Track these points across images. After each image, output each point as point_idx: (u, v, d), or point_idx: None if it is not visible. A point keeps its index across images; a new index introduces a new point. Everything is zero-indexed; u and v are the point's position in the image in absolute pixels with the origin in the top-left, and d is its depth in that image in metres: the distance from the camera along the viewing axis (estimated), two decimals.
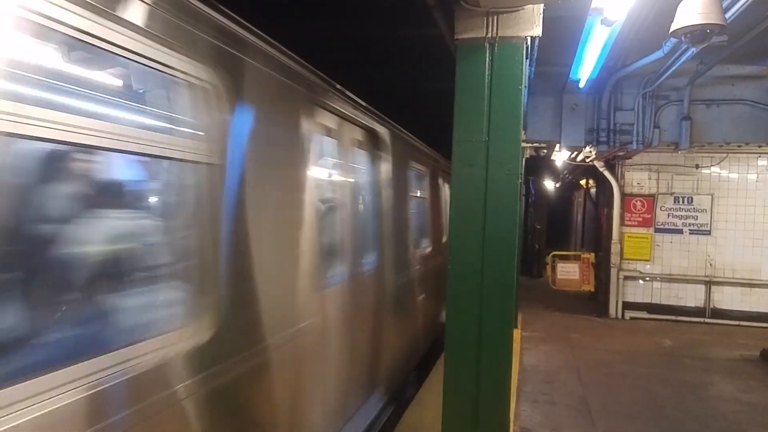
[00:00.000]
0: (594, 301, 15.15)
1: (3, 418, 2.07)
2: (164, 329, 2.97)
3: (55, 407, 2.26)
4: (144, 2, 2.71)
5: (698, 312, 13.37)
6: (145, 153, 2.91)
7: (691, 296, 13.47)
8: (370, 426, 6.43)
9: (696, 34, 5.86)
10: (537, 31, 4.46)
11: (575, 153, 13.50)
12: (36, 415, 2.18)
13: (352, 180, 6.23)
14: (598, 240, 15.82)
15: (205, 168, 3.27)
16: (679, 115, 11.73)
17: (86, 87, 2.90)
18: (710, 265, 13.35)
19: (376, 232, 6.87)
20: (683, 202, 13.46)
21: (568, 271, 15.99)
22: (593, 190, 17.93)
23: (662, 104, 11.83)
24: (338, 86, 5.40)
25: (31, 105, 2.24)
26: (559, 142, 12.12)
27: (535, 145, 12.98)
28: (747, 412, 7.74)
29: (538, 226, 22.70)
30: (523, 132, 6.52)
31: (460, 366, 4.69)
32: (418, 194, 9.65)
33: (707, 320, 13.24)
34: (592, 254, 15.94)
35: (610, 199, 13.96)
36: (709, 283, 13.34)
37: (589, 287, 15.71)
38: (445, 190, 11.18)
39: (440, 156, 10.83)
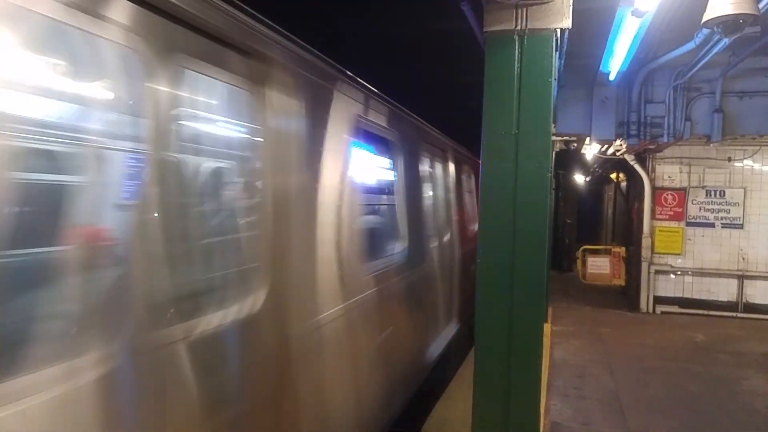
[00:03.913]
0: (625, 296, 15.02)
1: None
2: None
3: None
4: None
5: (730, 306, 13.20)
6: None
7: (724, 291, 13.29)
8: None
9: (728, 24, 5.79)
10: (567, 23, 4.44)
11: (605, 146, 13.37)
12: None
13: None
14: (629, 234, 15.65)
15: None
16: (711, 107, 11.57)
17: None
18: (743, 259, 13.17)
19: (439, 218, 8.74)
20: (715, 195, 13.28)
21: (599, 266, 15.87)
22: (624, 184, 17.74)
23: (694, 96, 11.68)
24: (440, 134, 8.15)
25: None
26: (590, 136, 12.02)
27: (565, 138, 12.91)
28: None
29: (569, 220, 22.54)
30: (553, 125, 6.50)
31: (490, 360, 4.69)
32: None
33: (740, 315, 13.06)
34: (623, 248, 15.79)
35: (640, 192, 13.81)
36: (741, 278, 13.16)
37: (620, 281, 15.59)
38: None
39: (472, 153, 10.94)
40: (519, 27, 4.48)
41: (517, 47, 4.51)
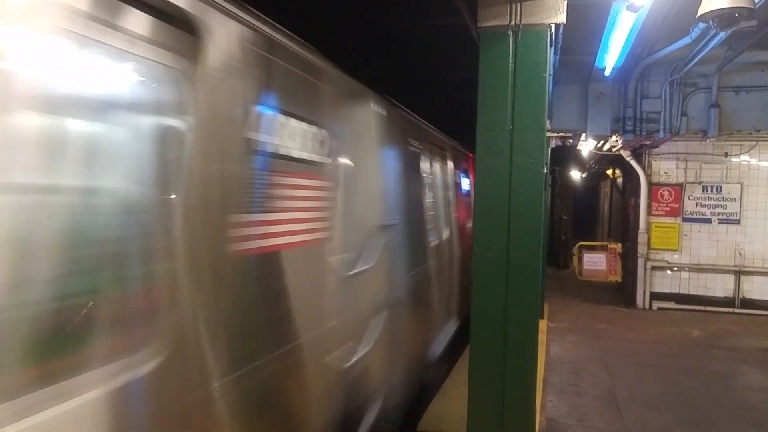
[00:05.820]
0: (621, 292, 15.02)
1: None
2: None
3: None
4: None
5: (727, 302, 13.21)
6: None
7: (720, 286, 13.30)
8: None
9: (724, 18, 5.77)
10: (561, 18, 4.42)
11: (601, 142, 13.37)
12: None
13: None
14: (625, 230, 15.65)
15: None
16: (707, 102, 11.55)
17: None
18: (739, 254, 13.17)
19: None
20: (712, 191, 13.28)
21: (595, 262, 15.88)
22: (620, 180, 17.75)
23: (690, 92, 11.66)
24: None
25: None
26: (585, 132, 12.01)
27: (560, 134, 12.87)
28: None
29: (564, 217, 22.56)
30: (548, 121, 6.49)
31: (485, 356, 4.68)
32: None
33: (736, 310, 13.07)
34: (619, 244, 15.80)
35: (636, 188, 13.81)
36: (738, 273, 13.17)
37: (616, 278, 15.59)
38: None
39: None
40: (513, 22, 4.46)
41: (511, 43, 4.49)
